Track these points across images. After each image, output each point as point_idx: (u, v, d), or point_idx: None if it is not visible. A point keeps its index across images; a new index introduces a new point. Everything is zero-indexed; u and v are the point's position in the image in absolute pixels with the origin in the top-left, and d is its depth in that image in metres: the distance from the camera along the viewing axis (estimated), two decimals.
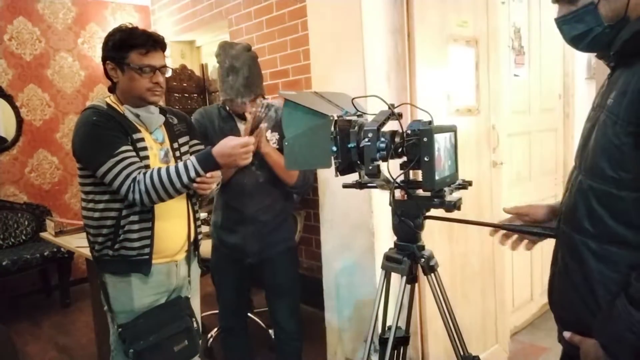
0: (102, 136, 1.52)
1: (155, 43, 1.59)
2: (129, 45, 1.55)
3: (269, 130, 2.03)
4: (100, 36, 4.44)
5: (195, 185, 1.55)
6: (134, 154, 1.55)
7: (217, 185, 1.75)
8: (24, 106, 4.09)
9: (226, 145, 1.50)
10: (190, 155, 1.79)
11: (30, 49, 4.10)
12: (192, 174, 1.50)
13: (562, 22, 0.99)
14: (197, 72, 4.56)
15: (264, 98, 2.06)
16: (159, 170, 1.50)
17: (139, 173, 1.51)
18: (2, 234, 3.89)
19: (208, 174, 1.53)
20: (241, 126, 1.99)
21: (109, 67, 1.60)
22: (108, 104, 1.61)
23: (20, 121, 4.07)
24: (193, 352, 1.67)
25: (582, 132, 1.05)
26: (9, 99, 4.01)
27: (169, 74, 1.66)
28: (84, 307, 3.68)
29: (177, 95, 4.26)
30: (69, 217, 4.05)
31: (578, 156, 1.04)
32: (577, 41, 1.00)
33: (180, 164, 1.51)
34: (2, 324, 1.71)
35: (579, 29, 0.96)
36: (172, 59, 4.61)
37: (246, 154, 1.53)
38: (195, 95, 4.44)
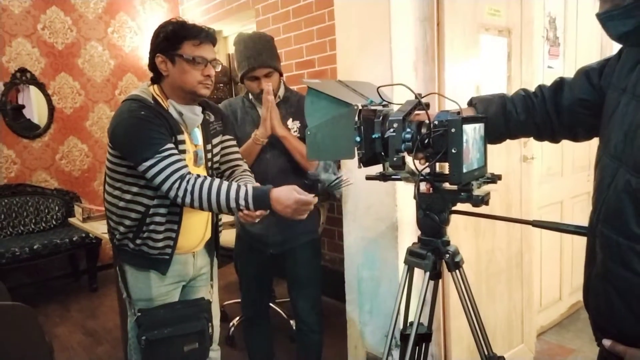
0: (149, 131, 1.48)
1: (208, 35, 1.55)
2: (182, 36, 1.51)
3: (290, 119, 2.01)
4: (129, 26, 4.50)
5: (240, 214, 1.52)
6: (178, 152, 1.52)
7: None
8: (55, 94, 4.18)
9: (288, 197, 1.43)
10: (221, 151, 1.77)
11: (62, 38, 4.18)
12: (242, 203, 1.45)
13: (607, 18, 0.89)
14: (224, 62, 4.58)
15: (281, 75, 2.04)
16: (212, 182, 1.47)
17: (189, 173, 1.48)
18: (34, 219, 4.01)
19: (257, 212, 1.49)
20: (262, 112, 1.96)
21: (159, 60, 1.55)
22: (154, 97, 1.57)
23: (51, 109, 4.16)
24: (202, 356, 1.65)
25: (619, 122, 0.95)
26: (42, 87, 4.11)
27: (219, 68, 1.61)
28: (111, 292, 3.76)
29: None
30: (97, 203, 4.13)
31: (619, 151, 0.93)
32: (627, 37, 0.90)
33: (234, 187, 1.46)
34: (32, 306, 1.75)
35: (629, 24, 0.86)
36: None
37: (305, 211, 1.46)
38: (222, 85, 4.46)
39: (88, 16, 4.30)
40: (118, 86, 4.48)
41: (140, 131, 1.48)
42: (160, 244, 1.58)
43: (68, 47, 4.22)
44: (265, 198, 1.44)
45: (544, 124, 1.19)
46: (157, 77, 1.60)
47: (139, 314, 1.59)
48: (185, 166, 1.50)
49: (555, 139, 1.23)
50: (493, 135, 1.24)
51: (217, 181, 1.48)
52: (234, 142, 1.84)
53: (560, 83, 1.19)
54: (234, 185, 1.47)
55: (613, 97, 1.01)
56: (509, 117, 1.21)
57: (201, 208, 1.48)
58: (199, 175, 1.49)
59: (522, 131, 1.24)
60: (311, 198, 1.45)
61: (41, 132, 4.13)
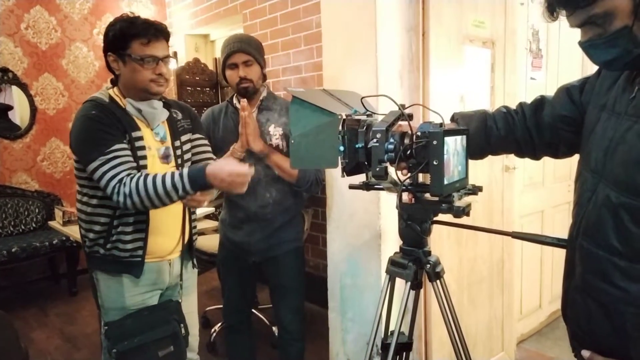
0: (97, 132, 1.47)
1: (158, 32, 1.52)
2: (130, 35, 1.49)
3: (272, 125, 2.01)
4: None
5: (184, 200, 1.48)
6: (127, 153, 1.49)
7: (212, 199, 1.72)
8: (38, 95, 4.12)
9: (222, 170, 1.41)
10: (192, 149, 1.76)
11: (46, 38, 4.13)
12: (179, 187, 1.41)
13: (589, 47, 0.91)
14: (211, 66, 4.56)
15: (262, 69, 2.03)
16: (146, 177, 1.43)
17: (127, 175, 1.44)
18: (13, 221, 3.93)
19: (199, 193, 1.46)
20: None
21: (111, 59, 1.55)
22: (110, 97, 1.57)
23: (34, 110, 4.10)
24: (178, 359, 1.61)
25: (599, 138, 0.97)
26: (24, 87, 4.04)
27: (173, 64, 1.59)
28: (91, 296, 3.68)
29: (189, 88, 4.26)
30: None
31: (600, 166, 0.95)
32: (611, 64, 0.92)
33: (169, 175, 1.43)
34: (9, 310, 1.71)
35: (613, 53, 0.88)
36: (186, 52, 4.62)
37: (242, 184, 1.43)
38: (208, 89, 4.44)
39: (73, 17, 4.25)
40: (102, 88, 4.42)
41: (89, 131, 1.47)
42: (129, 246, 1.56)
43: (52, 47, 4.16)
44: (200, 176, 1.41)
45: (524, 141, 1.21)
46: (116, 77, 1.60)
47: (106, 327, 1.55)
48: (129, 168, 1.46)
49: (536, 156, 1.24)
50: (475, 151, 1.25)
51: (151, 176, 1.44)
52: (205, 141, 1.83)
53: (541, 100, 1.20)
54: (169, 173, 1.44)
55: (593, 113, 1.03)
56: (489, 133, 1.23)
57: (144, 206, 1.44)
58: (135, 174, 1.45)
59: (503, 147, 1.26)
60: (245, 169, 1.42)
61: (22, 132, 4.06)
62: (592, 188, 0.96)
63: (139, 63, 1.51)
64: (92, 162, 1.44)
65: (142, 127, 1.58)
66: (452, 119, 1.31)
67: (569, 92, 1.15)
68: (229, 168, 1.41)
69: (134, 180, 1.42)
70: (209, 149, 1.85)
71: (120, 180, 1.43)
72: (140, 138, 1.56)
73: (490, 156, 1.33)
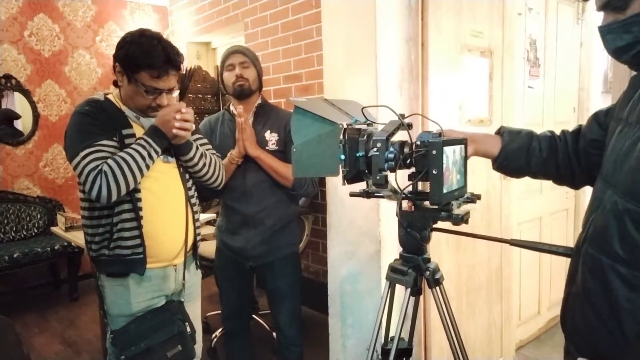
0: (86, 125, 1.49)
1: (171, 67, 1.54)
2: (142, 65, 1.50)
3: (268, 131, 2.04)
4: (118, 35, 4.50)
5: (175, 131, 1.54)
6: (113, 151, 1.51)
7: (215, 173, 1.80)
8: (40, 101, 4.16)
9: (161, 112, 1.55)
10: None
11: (49, 45, 4.17)
12: (154, 154, 1.53)
13: (606, 31, 0.93)
14: (212, 74, 4.59)
15: (261, 87, 2.11)
16: (119, 160, 1.47)
17: (104, 163, 1.46)
18: (15, 227, 3.95)
19: (178, 116, 1.53)
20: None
21: (117, 69, 1.57)
22: (106, 98, 1.60)
23: (36, 116, 4.14)
24: (188, 357, 1.62)
25: (612, 147, 0.99)
26: (27, 94, 4.08)
27: (175, 94, 1.63)
28: (92, 302, 3.71)
29: (191, 95, 4.29)
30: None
31: (610, 174, 0.97)
32: (620, 53, 0.94)
33: (135, 148, 1.50)
34: (9, 315, 1.72)
35: (625, 39, 0.90)
36: (187, 60, 4.66)
37: (175, 119, 1.52)
38: (209, 96, 4.47)
39: (76, 24, 4.30)
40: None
41: (77, 125, 1.51)
42: (129, 243, 1.57)
43: (55, 54, 4.20)
44: (156, 130, 1.54)
45: (565, 166, 1.23)
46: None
47: (112, 336, 1.57)
48: (103, 163, 1.48)
49: (575, 183, 1.26)
50: (512, 167, 1.28)
51: (121, 156, 1.48)
52: (205, 140, 1.87)
53: (579, 128, 1.25)
54: (134, 148, 1.50)
55: (612, 127, 1.06)
56: (532, 153, 1.25)
57: (127, 186, 1.48)
58: (106, 162, 1.48)
59: (543, 170, 1.27)
60: (181, 104, 1.55)
61: (25, 139, 4.09)
62: (601, 195, 0.98)
63: (142, 90, 1.54)
64: (77, 155, 1.46)
65: (135, 125, 1.61)
66: (498, 132, 1.33)
67: (597, 116, 1.19)
68: (166, 109, 1.56)
69: (109, 166, 1.46)
70: (210, 146, 1.87)
71: (100, 171, 1.45)
72: (132, 135, 1.58)
73: (487, 164, 1.35)
